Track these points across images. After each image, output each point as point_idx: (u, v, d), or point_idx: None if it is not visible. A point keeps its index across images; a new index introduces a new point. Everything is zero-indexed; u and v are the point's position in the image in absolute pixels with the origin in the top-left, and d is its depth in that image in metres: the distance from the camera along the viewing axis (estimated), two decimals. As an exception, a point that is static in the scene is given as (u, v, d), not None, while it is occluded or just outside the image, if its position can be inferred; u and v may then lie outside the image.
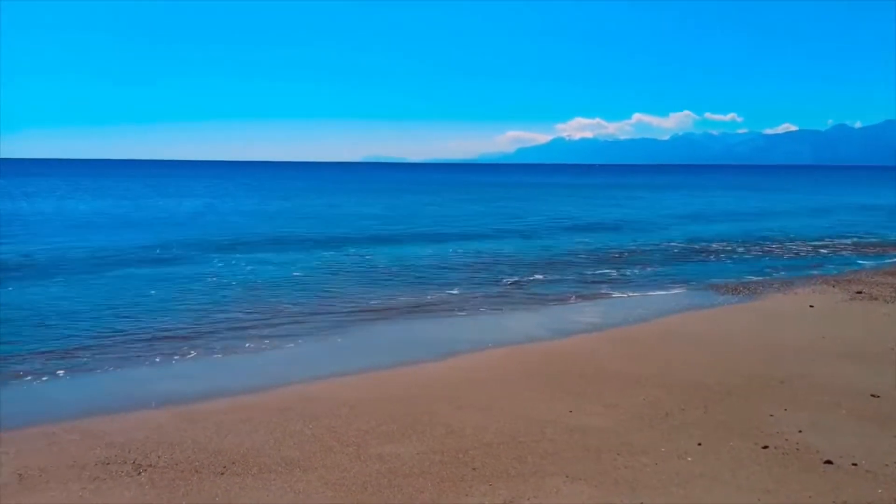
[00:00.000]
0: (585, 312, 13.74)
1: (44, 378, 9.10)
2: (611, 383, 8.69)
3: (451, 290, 15.78)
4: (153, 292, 14.80)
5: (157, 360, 9.99)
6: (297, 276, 17.48)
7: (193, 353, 10.33)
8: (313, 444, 6.77)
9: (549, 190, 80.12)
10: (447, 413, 7.63)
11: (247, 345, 10.89)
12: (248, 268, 18.37)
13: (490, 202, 51.15)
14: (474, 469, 6.12)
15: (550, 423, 7.27)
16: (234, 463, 6.28)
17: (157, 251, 21.47)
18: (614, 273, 18.59)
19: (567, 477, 5.90)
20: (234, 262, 19.34)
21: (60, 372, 9.33)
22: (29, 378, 9.07)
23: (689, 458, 6.28)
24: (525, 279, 17.40)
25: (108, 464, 6.29)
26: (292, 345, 10.97)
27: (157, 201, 48.96)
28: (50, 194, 56.77)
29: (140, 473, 6.08)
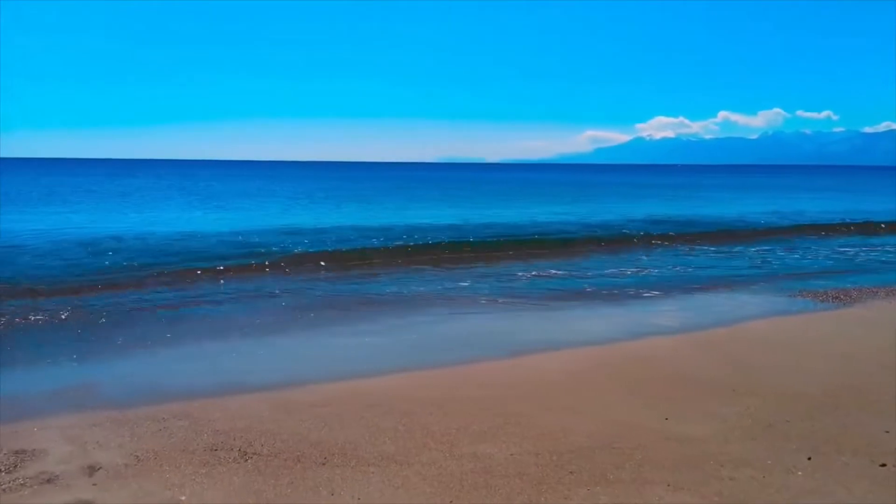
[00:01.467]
0: (663, 313, 13.38)
1: (148, 361, 9.65)
2: (703, 390, 8.41)
3: (515, 283, 15.89)
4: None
5: (248, 348, 10.41)
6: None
7: (281, 343, 10.73)
8: (407, 440, 6.86)
9: (626, 189, 78.39)
10: (535, 414, 7.58)
11: (323, 339, 11.23)
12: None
13: (568, 203, 50.40)
14: (571, 473, 6.05)
15: (645, 429, 7.11)
16: (333, 455, 6.46)
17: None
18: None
19: (669, 486, 5.75)
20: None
21: (162, 354, 9.86)
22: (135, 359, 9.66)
23: (799, 473, 5.99)
24: (595, 276, 17.10)
25: (215, 450, 6.60)
26: (368, 339, 11.20)
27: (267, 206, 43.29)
28: (155, 199, 50.30)
29: (246, 460, 6.35)
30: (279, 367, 9.62)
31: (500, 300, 14.36)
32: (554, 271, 18.04)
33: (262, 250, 20.45)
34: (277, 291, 15.19)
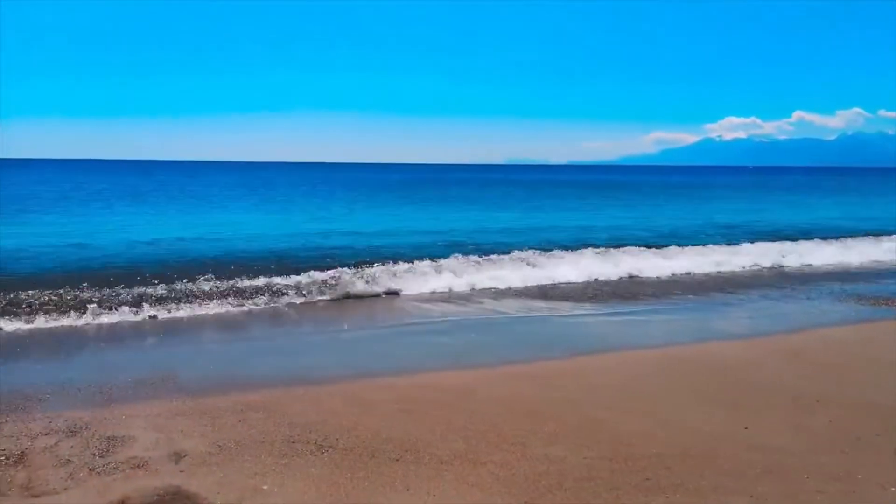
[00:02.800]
0: (730, 316, 12.94)
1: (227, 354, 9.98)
2: (783, 399, 8.10)
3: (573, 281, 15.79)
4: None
5: (321, 344, 10.64)
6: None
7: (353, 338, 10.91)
8: (479, 439, 6.87)
9: (694, 191, 76.21)
10: (606, 418, 7.48)
11: (392, 337, 11.37)
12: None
13: (631, 207, 49.33)
14: (647, 479, 5.93)
15: (723, 437, 6.90)
16: (406, 451, 6.53)
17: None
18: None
19: (752, 497, 5.55)
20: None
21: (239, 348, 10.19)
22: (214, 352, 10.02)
23: (893, 489, 5.69)
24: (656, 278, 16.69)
25: (293, 442, 6.78)
26: (431, 338, 11.29)
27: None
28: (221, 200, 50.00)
29: (322, 453, 6.49)
30: (353, 362, 9.81)
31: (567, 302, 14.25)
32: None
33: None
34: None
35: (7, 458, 6.41)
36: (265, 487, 5.78)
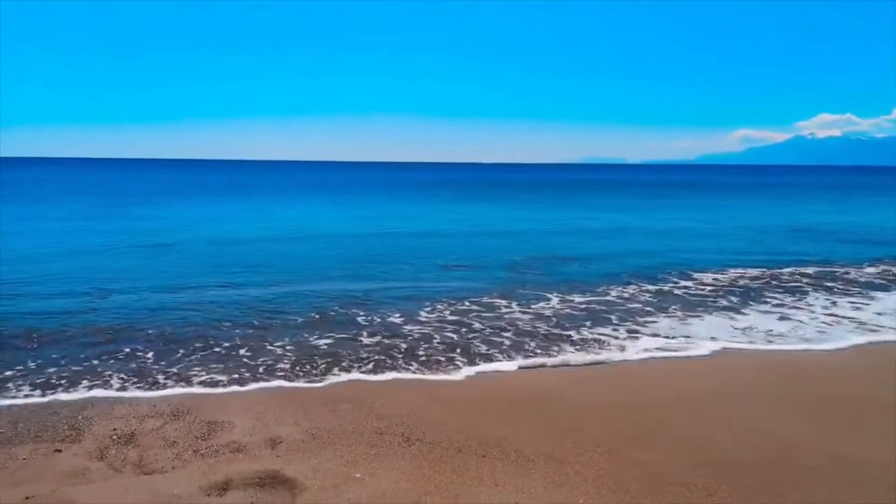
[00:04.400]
0: (809, 324, 12.22)
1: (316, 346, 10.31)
2: (872, 409, 7.70)
3: (646, 286, 15.41)
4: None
5: (409, 338, 10.82)
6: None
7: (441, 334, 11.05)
8: (564, 440, 6.86)
9: (782, 190, 72.63)
10: (686, 424, 7.35)
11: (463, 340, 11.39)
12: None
13: (679, 207, 47.43)
14: (744, 486, 5.77)
15: (806, 447, 6.64)
16: (492, 448, 6.59)
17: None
18: (851, 277, 16.23)
19: (855, 511, 5.31)
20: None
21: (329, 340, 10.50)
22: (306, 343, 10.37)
23: None
24: (736, 285, 15.94)
25: (381, 433, 6.97)
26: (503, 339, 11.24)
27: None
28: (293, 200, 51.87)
29: (410, 445, 6.65)
30: (435, 357, 9.95)
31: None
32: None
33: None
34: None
35: (119, 438, 6.89)
36: (357, 475, 5.98)
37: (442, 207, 44.04)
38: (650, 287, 15.55)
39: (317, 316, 12.31)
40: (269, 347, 10.29)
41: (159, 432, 7.07)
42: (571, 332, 11.37)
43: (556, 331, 11.49)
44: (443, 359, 9.91)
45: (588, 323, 12.07)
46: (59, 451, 6.60)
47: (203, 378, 8.91)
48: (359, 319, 12.10)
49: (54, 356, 9.67)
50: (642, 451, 6.58)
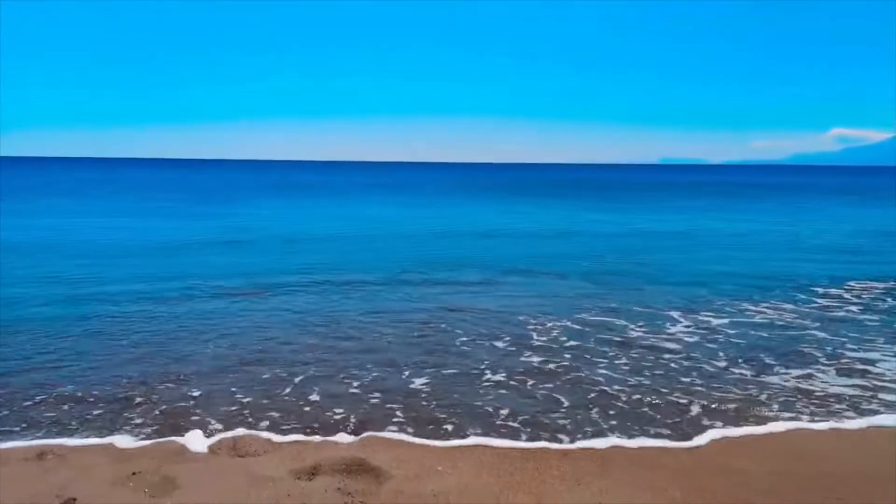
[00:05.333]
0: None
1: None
2: None
3: (780, 303, 14.09)
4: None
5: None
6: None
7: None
8: (648, 441, 6.72)
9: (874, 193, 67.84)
10: (792, 435, 7.02)
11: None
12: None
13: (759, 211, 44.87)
14: (839, 499, 5.51)
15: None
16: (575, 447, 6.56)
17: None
18: None
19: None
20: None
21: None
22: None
23: None
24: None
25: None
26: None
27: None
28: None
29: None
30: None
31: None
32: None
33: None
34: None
35: (214, 422, 7.28)
36: (440, 468, 6.08)
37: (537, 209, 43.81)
38: (787, 306, 13.29)
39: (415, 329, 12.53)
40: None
41: (248, 420, 7.40)
42: (746, 371, 9.22)
43: (735, 370, 9.25)
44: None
45: (764, 357, 9.76)
46: (158, 431, 7.04)
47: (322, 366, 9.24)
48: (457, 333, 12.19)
49: (147, 349, 10.28)
50: (739, 460, 6.37)
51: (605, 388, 8.46)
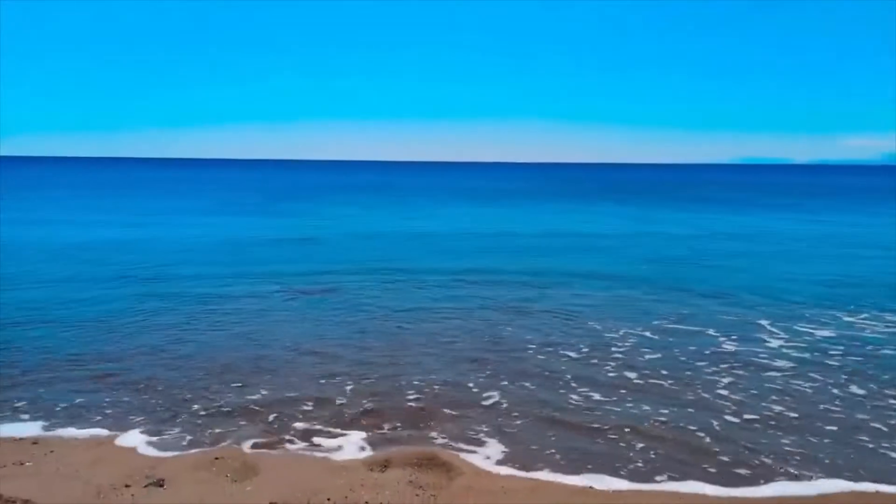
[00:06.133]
0: None
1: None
2: None
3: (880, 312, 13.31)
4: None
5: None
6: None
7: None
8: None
9: None
10: None
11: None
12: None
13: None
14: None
15: None
16: (648, 450, 6.40)
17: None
18: None
19: None
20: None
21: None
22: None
23: None
24: None
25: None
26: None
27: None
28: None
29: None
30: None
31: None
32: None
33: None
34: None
35: (290, 413, 7.53)
36: (508, 465, 6.09)
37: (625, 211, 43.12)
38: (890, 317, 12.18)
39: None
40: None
41: (323, 412, 7.61)
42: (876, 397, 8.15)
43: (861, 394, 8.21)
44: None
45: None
46: (239, 419, 7.33)
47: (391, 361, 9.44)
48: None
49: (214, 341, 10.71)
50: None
51: (728, 416, 7.50)
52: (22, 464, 6.11)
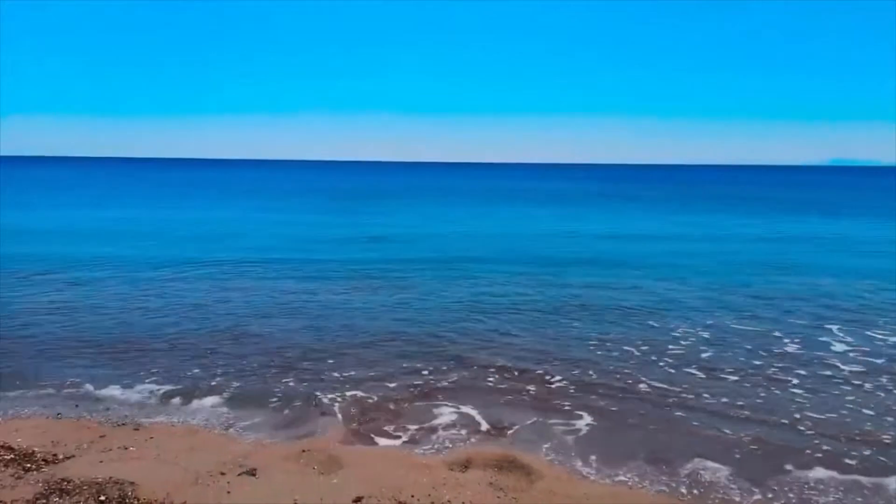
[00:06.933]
0: None
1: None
2: None
3: None
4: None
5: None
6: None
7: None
8: None
9: None
10: None
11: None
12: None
13: None
14: None
15: None
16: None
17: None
18: None
19: None
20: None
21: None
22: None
23: None
24: None
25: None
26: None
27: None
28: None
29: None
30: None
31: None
32: None
33: None
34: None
35: (369, 408, 7.73)
36: (587, 472, 6.06)
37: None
38: None
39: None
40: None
41: (404, 407, 7.77)
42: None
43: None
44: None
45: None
46: (324, 413, 7.59)
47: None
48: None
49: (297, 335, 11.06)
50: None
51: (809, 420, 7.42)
52: (126, 448, 6.52)
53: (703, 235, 26.87)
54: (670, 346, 10.36)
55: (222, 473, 5.97)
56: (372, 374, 8.91)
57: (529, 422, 7.32)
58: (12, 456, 6.19)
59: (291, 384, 8.54)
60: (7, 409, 7.65)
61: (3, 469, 5.90)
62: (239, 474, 5.95)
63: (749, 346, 10.39)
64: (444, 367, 9.19)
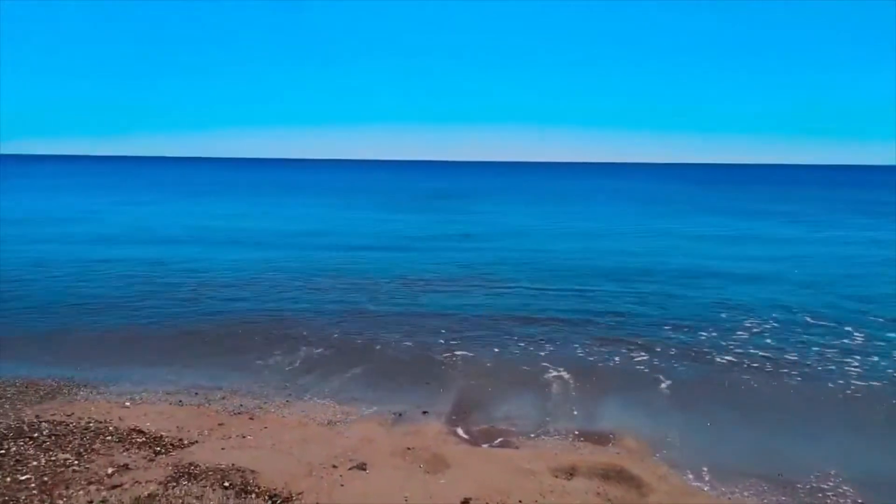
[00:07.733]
0: None
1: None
2: None
3: None
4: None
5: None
6: None
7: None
8: None
9: None
10: None
11: None
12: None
13: None
14: None
15: None
16: None
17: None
18: None
19: None
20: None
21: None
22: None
23: None
24: None
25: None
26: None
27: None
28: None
29: (760, 468, 6.29)
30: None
31: None
32: None
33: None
34: None
35: (472, 409, 7.78)
36: (705, 489, 5.86)
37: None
38: None
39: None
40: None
41: (505, 410, 7.78)
42: None
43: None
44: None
45: None
46: (426, 412, 7.70)
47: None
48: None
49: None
50: None
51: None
52: (244, 437, 6.86)
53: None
54: (791, 357, 9.94)
55: (334, 466, 6.17)
56: (472, 372, 8.98)
57: (636, 430, 7.16)
58: (144, 439, 6.65)
59: (395, 380, 8.75)
60: (134, 394, 8.21)
61: (136, 451, 6.34)
62: (350, 468, 6.13)
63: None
64: (551, 371, 9.13)
